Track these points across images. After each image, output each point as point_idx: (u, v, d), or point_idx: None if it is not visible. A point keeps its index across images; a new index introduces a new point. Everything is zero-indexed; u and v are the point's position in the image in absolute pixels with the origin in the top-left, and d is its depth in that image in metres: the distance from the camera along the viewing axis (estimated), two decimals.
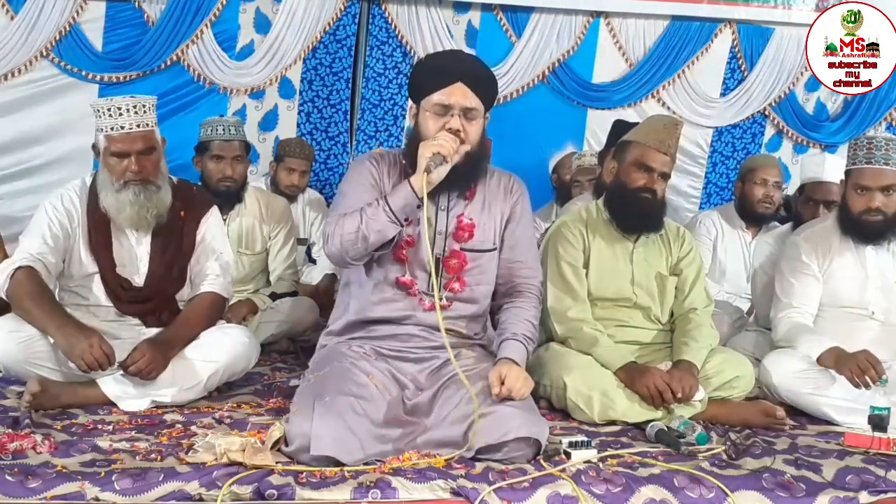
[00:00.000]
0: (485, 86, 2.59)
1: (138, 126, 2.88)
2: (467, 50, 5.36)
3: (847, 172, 3.24)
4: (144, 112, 2.90)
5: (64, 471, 2.12)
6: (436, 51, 2.68)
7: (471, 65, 2.63)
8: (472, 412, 2.35)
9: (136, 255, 3.01)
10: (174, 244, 3.05)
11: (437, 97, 2.52)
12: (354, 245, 2.46)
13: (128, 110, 2.87)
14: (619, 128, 3.96)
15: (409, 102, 2.68)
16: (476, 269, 2.65)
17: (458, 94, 2.51)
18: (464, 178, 2.58)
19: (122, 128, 2.87)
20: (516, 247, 2.71)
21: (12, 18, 4.74)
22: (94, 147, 2.98)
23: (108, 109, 2.87)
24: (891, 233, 3.19)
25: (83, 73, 4.89)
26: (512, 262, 2.71)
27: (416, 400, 2.50)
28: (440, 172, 2.43)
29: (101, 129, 2.90)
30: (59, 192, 3.02)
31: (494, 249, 2.69)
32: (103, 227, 2.97)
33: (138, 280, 3.01)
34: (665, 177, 3.04)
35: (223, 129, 3.94)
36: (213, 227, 3.13)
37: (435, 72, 2.57)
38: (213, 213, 3.16)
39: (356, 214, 2.46)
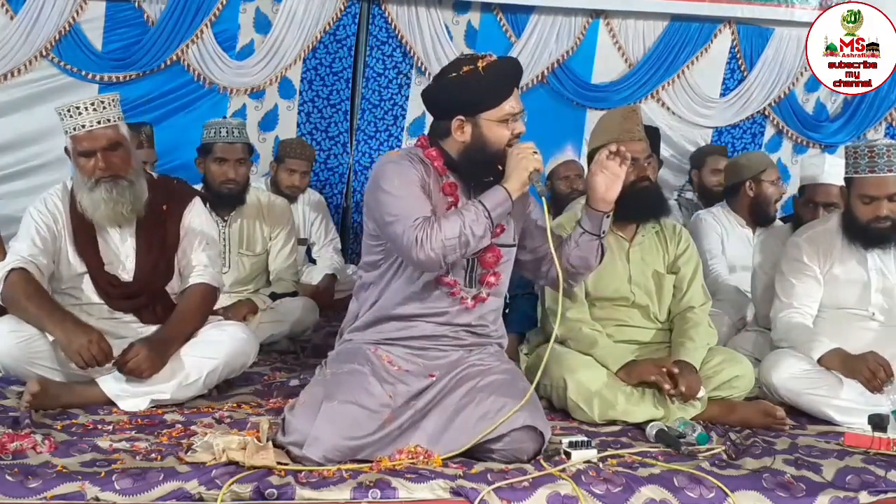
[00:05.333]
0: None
1: (99, 123, 2.88)
2: (467, 50, 5.38)
3: (849, 180, 3.22)
4: (104, 108, 2.90)
5: (64, 471, 2.12)
6: (487, 61, 2.53)
7: (520, 68, 2.64)
8: (483, 426, 2.35)
9: (121, 252, 3.02)
10: (158, 238, 3.05)
11: (508, 107, 2.50)
12: (454, 251, 2.40)
13: (86, 108, 2.88)
14: None
15: (460, 118, 2.51)
16: (506, 263, 2.67)
17: (518, 100, 2.55)
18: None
19: (84, 126, 2.88)
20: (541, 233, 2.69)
21: (12, 18, 4.75)
22: (67, 150, 3.00)
23: (69, 110, 2.88)
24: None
25: (83, 72, 4.90)
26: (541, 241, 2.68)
27: (424, 399, 2.47)
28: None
29: (67, 131, 2.91)
30: (42, 196, 3.04)
31: (515, 245, 2.70)
32: (87, 227, 2.98)
33: (126, 276, 3.01)
34: (650, 161, 3.07)
35: (226, 132, 3.94)
36: (196, 218, 3.13)
37: (499, 83, 2.52)
38: (196, 203, 3.16)
39: (454, 219, 2.40)
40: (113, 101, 2.94)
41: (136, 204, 2.95)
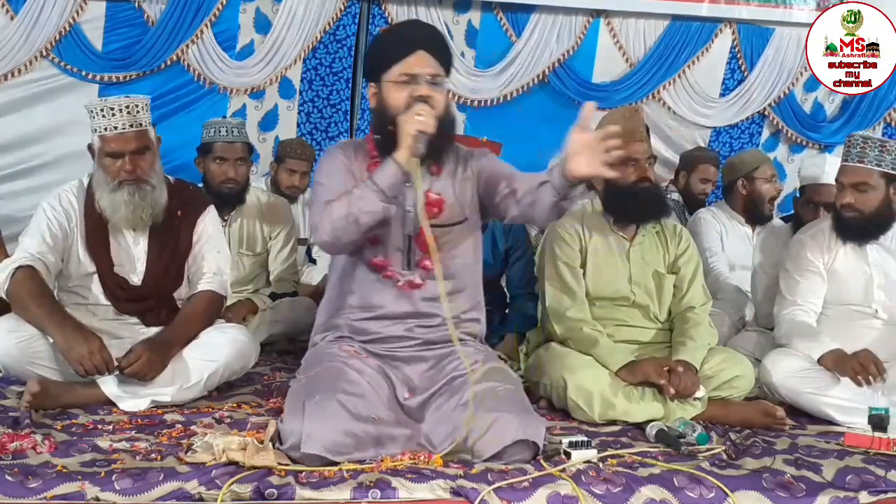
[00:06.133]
0: (444, 52, 2.57)
1: (131, 126, 2.89)
2: (468, 50, 5.39)
3: None
4: (138, 112, 2.91)
5: (64, 471, 2.12)
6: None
7: (429, 31, 2.60)
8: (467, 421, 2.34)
9: (133, 255, 3.02)
10: (171, 243, 3.05)
11: (401, 67, 2.47)
12: (346, 229, 2.40)
13: (121, 110, 2.88)
14: None
15: (371, 85, 2.56)
16: (448, 243, 2.58)
17: (423, 62, 2.48)
18: (435, 149, 2.50)
19: (116, 128, 2.88)
20: (501, 171, 2.57)
21: (12, 18, 4.74)
22: (90, 148, 2.99)
23: (102, 110, 2.88)
24: (871, 231, 3.22)
25: (83, 73, 4.89)
26: (510, 178, 2.52)
27: (409, 402, 2.49)
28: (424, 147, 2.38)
29: (96, 130, 2.91)
30: (56, 192, 3.04)
31: (464, 221, 2.61)
32: (100, 227, 2.98)
33: (135, 279, 3.01)
34: (650, 161, 3.07)
35: (226, 131, 3.94)
36: (209, 226, 3.13)
37: (393, 43, 2.52)
38: (210, 212, 3.17)
39: (343, 199, 2.40)
40: (145, 105, 2.95)
41: (156, 209, 2.96)
